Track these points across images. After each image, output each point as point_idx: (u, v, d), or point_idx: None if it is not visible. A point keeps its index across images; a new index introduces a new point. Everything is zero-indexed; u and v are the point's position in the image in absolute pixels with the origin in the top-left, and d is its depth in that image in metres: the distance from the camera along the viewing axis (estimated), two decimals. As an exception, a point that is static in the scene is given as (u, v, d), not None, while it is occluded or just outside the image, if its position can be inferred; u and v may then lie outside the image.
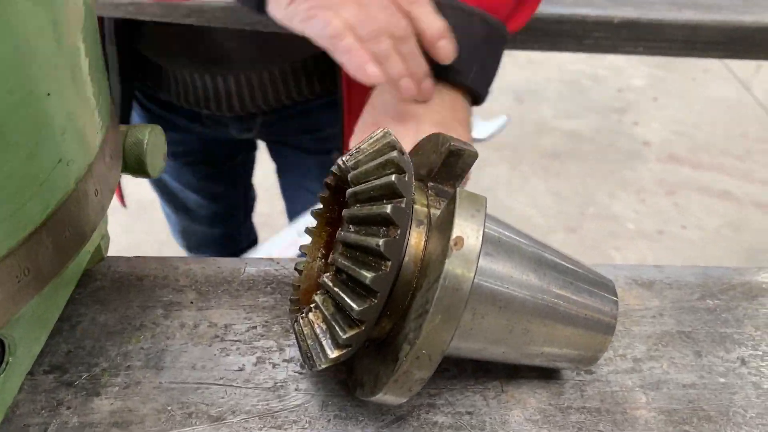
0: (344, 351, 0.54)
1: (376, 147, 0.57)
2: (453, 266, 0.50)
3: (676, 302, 0.76)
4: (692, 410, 0.65)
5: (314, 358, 0.56)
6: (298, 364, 0.68)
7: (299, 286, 0.65)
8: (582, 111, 4.62)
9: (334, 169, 0.63)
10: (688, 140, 4.32)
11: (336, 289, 0.53)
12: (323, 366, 0.55)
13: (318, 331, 0.55)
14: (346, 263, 0.53)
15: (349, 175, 0.56)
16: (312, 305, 0.56)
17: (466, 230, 0.51)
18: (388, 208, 0.52)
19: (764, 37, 1.35)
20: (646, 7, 1.37)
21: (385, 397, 0.56)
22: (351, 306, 0.52)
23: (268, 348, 0.69)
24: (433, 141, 0.62)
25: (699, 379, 0.68)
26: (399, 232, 0.52)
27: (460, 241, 0.51)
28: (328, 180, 0.65)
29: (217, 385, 0.65)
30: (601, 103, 4.73)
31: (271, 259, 0.79)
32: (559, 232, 3.61)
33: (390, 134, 0.57)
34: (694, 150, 4.23)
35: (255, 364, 0.67)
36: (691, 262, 3.41)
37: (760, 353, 0.71)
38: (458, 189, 0.53)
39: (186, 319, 0.71)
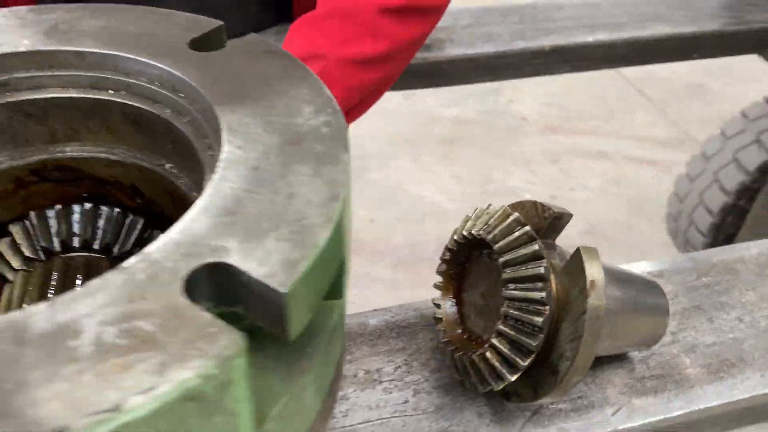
0: (519, 373, 0.76)
1: (506, 223, 0.79)
2: (593, 302, 0.73)
3: (682, 285, 1.04)
4: (720, 361, 0.93)
5: (492, 381, 0.77)
6: (442, 391, 0.89)
7: (445, 330, 0.86)
8: (461, 97, 4.97)
9: (457, 238, 0.84)
10: (560, 110, 4.80)
11: (511, 332, 0.75)
12: (501, 386, 0.77)
13: (495, 362, 0.76)
14: (517, 313, 0.74)
15: (495, 247, 0.78)
16: (486, 345, 0.77)
17: (595, 275, 0.74)
18: (542, 269, 0.74)
19: (659, 46, 1.68)
20: (569, 33, 1.65)
21: (545, 399, 0.78)
22: (528, 342, 0.74)
23: (416, 381, 0.89)
24: (530, 207, 0.85)
25: (717, 338, 0.96)
26: (548, 284, 0.74)
27: (593, 284, 0.74)
28: (450, 245, 0.86)
29: (395, 417, 0.85)
30: (477, 87, 5.11)
31: (385, 309, 0.99)
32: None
33: (512, 213, 0.79)
34: (567, 119, 4.71)
35: (414, 396, 0.87)
36: (584, 219, 3.86)
37: (748, 310, 1.00)
38: (579, 246, 0.76)
39: (346, 372, 0.90)
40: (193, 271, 0.45)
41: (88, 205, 0.72)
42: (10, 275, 0.70)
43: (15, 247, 0.70)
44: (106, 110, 0.68)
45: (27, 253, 0.70)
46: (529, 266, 0.75)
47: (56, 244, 0.70)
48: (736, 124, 2.96)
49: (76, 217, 0.71)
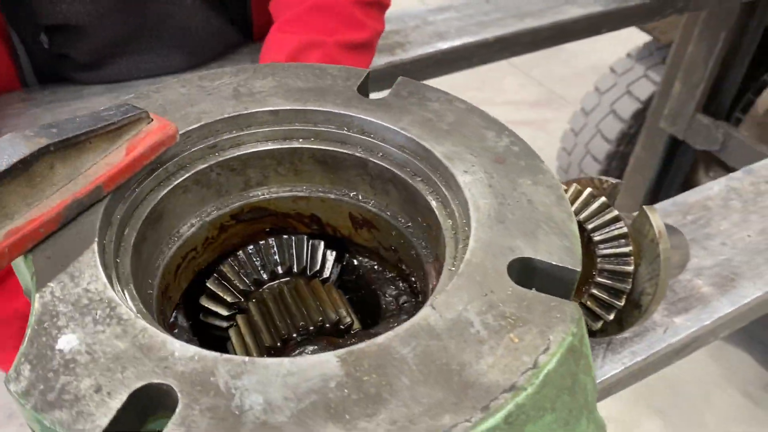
0: (615, 312, 0.98)
1: (582, 197, 0.99)
2: (664, 246, 0.96)
3: (680, 226, 1.31)
4: (722, 278, 1.20)
5: (591, 322, 0.99)
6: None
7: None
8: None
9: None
10: (438, 86, 5.09)
11: (608, 281, 0.96)
12: (599, 325, 0.98)
13: (594, 307, 0.98)
14: (610, 266, 0.96)
15: (581, 217, 0.98)
16: (585, 295, 0.98)
17: (661, 226, 0.97)
18: (625, 229, 0.96)
19: (576, 26, 1.96)
20: (503, 24, 1.89)
21: (629, 330, 1.01)
22: (623, 287, 0.96)
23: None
24: (587, 182, 1.06)
25: (714, 261, 1.23)
26: (629, 240, 0.97)
27: (660, 233, 0.97)
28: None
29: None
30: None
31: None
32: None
33: (586, 188, 1.00)
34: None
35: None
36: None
37: (727, 235, 1.28)
38: (642, 206, 0.99)
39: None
40: (508, 266, 0.61)
41: (285, 237, 0.84)
42: (222, 310, 0.81)
43: (224, 285, 0.81)
44: (296, 156, 0.80)
45: (241, 286, 0.81)
46: (613, 229, 0.97)
47: (265, 275, 0.82)
48: (608, 80, 3.37)
49: (273, 250, 0.83)
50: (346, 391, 0.51)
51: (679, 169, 2.75)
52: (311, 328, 0.75)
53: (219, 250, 0.83)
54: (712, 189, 1.39)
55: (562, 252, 0.63)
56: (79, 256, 0.60)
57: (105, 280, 0.58)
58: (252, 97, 0.79)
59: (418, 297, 0.80)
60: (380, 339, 0.55)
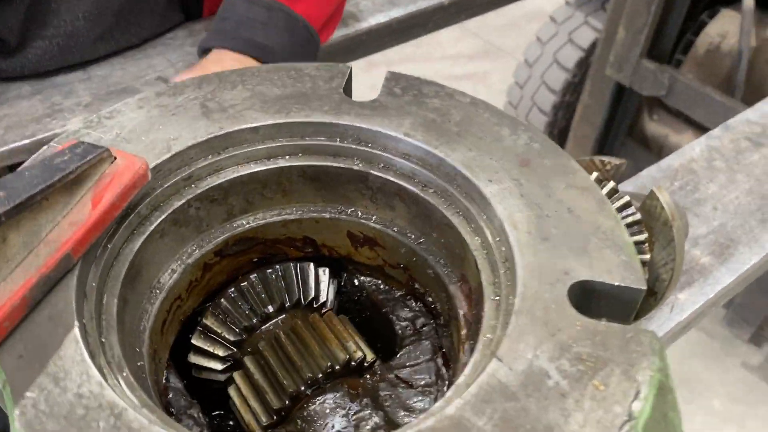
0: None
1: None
2: (678, 230, 0.90)
3: (670, 193, 1.26)
4: (719, 246, 1.16)
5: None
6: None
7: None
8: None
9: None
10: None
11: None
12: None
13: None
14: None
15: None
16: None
17: (674, 208, 0.91)
18: (639, 215, 0.89)
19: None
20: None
21: (644, 317, 0.96)
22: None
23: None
24: (588, 164, 0.99)
25: (707, 228, 1.19)
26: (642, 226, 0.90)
27: (674, 215, 0.91)
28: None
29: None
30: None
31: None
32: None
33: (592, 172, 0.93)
34: (383, 53, 4.88)
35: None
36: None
37: (716, 199, 1.25)
38: (653, 188, 0.93)
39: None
40: (568, 293, 0.53)
41: (269, 271, 0.73)
42: (215, 364, 0.70)
43: (212, 338, 0.70)
44: (284, 176, 0.69)
45: (231, 337, 0.70)
46: (626, 216, 0.90)
47: (255, 319, 0.71)
48: (549, 29, 3.31)
49: (258, 288, 0.73)
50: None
51: (625, 115, 2.73)
52: (320, 376, 0.66)
53: (204, 293, 0.72)
54: (693, 150, 1.35)
55: (621, 269, 0.55)
56: (59, 349, 0.48)
57: (98, 376, 0.47)
58: (224, 113, 0.67)
59: (438, 318, 0.71)
60: (450, 410, 0.46)
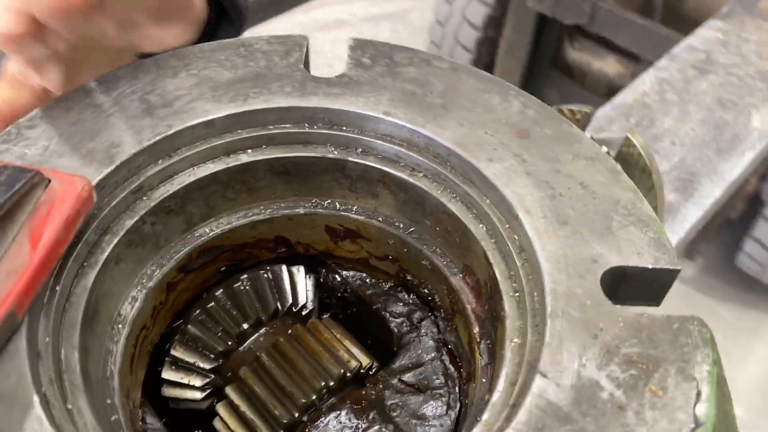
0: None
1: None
2: (656, 175, 0.86)
3: (622, 131, 1.22)
4: (681, 181, 1.14)
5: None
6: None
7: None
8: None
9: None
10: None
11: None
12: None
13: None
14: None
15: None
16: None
17: (651, 154, 0.87)
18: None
19: None
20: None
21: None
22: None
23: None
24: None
25: (669, 165, 1.17)
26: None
27: (652, 162, 0.87)
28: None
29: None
30: None
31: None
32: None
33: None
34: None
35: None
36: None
37: (673, 132, 1.22)
38: (628, 134, 0.88)
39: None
40: (601, 284, 0.48)
41: (236, 285, 0.64)
42: (193, 393, 0.62)
43: (186, 368, 0.62)
44: (248, 173, 0.60)
45: (206, 365, 0.62)
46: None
47: (229, 342, 0.63)
48: (466, -37, 3.21)
49: (228, 304, 0.64)
50: None
51: (548, 46, 2.70)
52: (315, 398, 0.59)
53: (170, 315, 0.63)
54: (644, 84, 1.32)
55: (652, 249, 0.50)
56: (19, 436, 0.39)
57: (75, 464, 0.38)
58: (170, 107, 0.57)
59: (436, 311, 0.65)
60: (503, 444, 0.40)
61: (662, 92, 1.27)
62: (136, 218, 0.55)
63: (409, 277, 0.66)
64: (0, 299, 0.42)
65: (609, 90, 3.00)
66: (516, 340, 0.49)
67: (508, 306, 0.51)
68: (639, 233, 0.51)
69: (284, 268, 0.67)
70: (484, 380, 0.54)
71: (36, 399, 0.41)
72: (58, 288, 0.48)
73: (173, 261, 0.60)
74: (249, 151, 0.60)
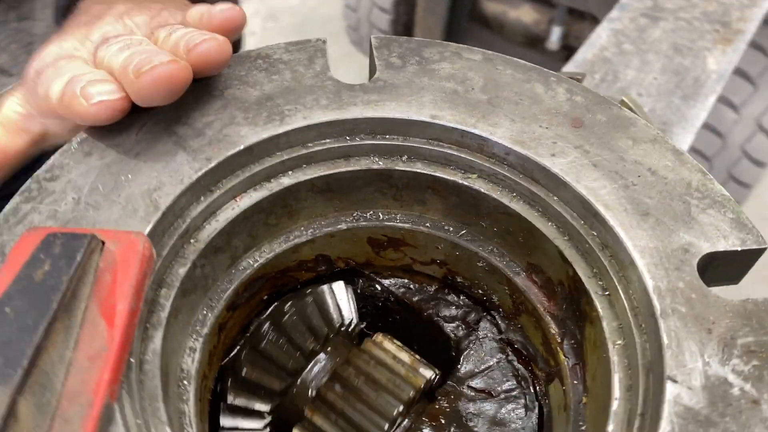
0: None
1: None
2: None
3: (594, 87, 1.23)
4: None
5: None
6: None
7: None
8: None
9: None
10: None
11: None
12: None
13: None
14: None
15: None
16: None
17: (647, 116, 0.87)
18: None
19: None
20: None
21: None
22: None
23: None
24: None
25: (638, 99, 1.18)
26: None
27: (650, 122, 0.87)
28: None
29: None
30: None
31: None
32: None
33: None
34: None
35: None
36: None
37: (636, 84, 1.24)
38: (622, 99, 0.88)
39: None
40: (700, 269, 0.47)
41: (285, 320, 0.60)
42: (250, 423, 0.59)
43: (241, 411, 0.58)
44: (290, 195, 0.56)
45: (264, 407, 0.58)
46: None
47: (287, 377, 0.59)
48: None
49: (279, 339, 0.60)
50: None
51: (465, 0, 2.68)
52: (387, 426, 0.56)
53: (221, 358, 0.59)
54: (601, 38, 1.32)
55: (735, 230, 0.49)
56: None
57: None
58: (203, 137, 0.52)
59: (494, 311, 0.63)
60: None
61: (619, 44, 1.28)
62: (188, 265, 0.50)
63: (459, 279, 0.64)
64: (91, 392, 0.37)
65: (526, 38, 3.03)
66: (619, 342, 0.48)
67: (601, 306, 0.50)
68: (719, 215, 0.50)
69: (326, 288, 0.64)
70: (575, 382, 0.53)
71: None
72: (132, 360, 0.43)
73: (222, 301, 0.55)
74: (290, 173, 0.55)
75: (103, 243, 0.43)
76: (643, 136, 0.55)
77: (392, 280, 0.67)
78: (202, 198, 0.51)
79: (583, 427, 0.50)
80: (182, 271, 0.49)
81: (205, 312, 0.54)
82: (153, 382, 0.44)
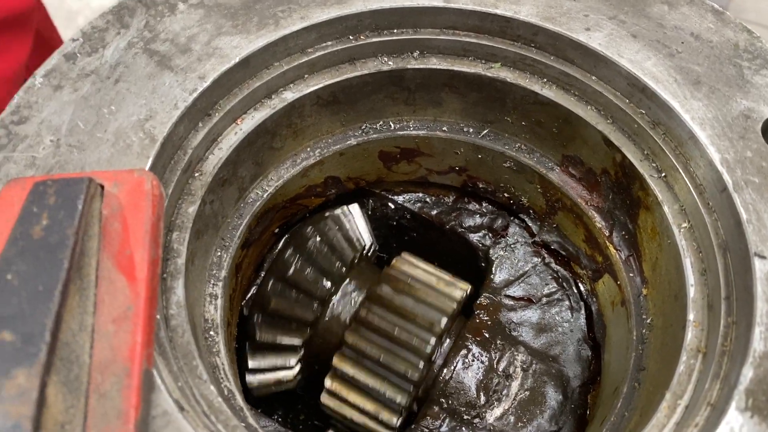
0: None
1: None
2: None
3: None
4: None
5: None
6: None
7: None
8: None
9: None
10: None
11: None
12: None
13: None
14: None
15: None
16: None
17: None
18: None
19: None
20: None
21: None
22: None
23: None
24: None
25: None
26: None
27: None
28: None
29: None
30: None
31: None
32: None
33: None
34: None
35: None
36: None
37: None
38: None
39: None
40: (764, 134, 0.43)
41: (311, 242, 0.54)
42: (284, 374, 0.54)
43: (270, 349, 0.53)
44: (294, 111, 0.49)
45: (295, 340, 0.53)
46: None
47: (317, 306, 0.54)
48: None
49: (312, 263, 0.54)
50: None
51: None
52: (435, 342, 0.52)
53: (240, 299, 0.53)
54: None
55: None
56: None
57: None
58: (189, 54, 0.44)
59: (523, 213, 0.58)
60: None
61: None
62: (197, 203, 0.43)
63: (481, 185, 0.59)
64: (125, 359, 0.32)
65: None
66: (684, 225, 0.44)
67: (658, 189, 0.45)
68: (774, 75, 0.46)
69: (343, 210, 0.58)
70: (631, 274, 0.49)
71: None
72: (157, 316, 0.37)
73: (236, 238, 0.49)
74: (291, 85, 0.48)
75: (103, 186, 0.36)
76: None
77: (405, 196, 0.61)
78: (201, 124, 0.44)
79: (648, 320, 0.47)
80: (192, 210, 0.43)
81: (219, 253, 0.48)
82: (184, 338, 0.39)
